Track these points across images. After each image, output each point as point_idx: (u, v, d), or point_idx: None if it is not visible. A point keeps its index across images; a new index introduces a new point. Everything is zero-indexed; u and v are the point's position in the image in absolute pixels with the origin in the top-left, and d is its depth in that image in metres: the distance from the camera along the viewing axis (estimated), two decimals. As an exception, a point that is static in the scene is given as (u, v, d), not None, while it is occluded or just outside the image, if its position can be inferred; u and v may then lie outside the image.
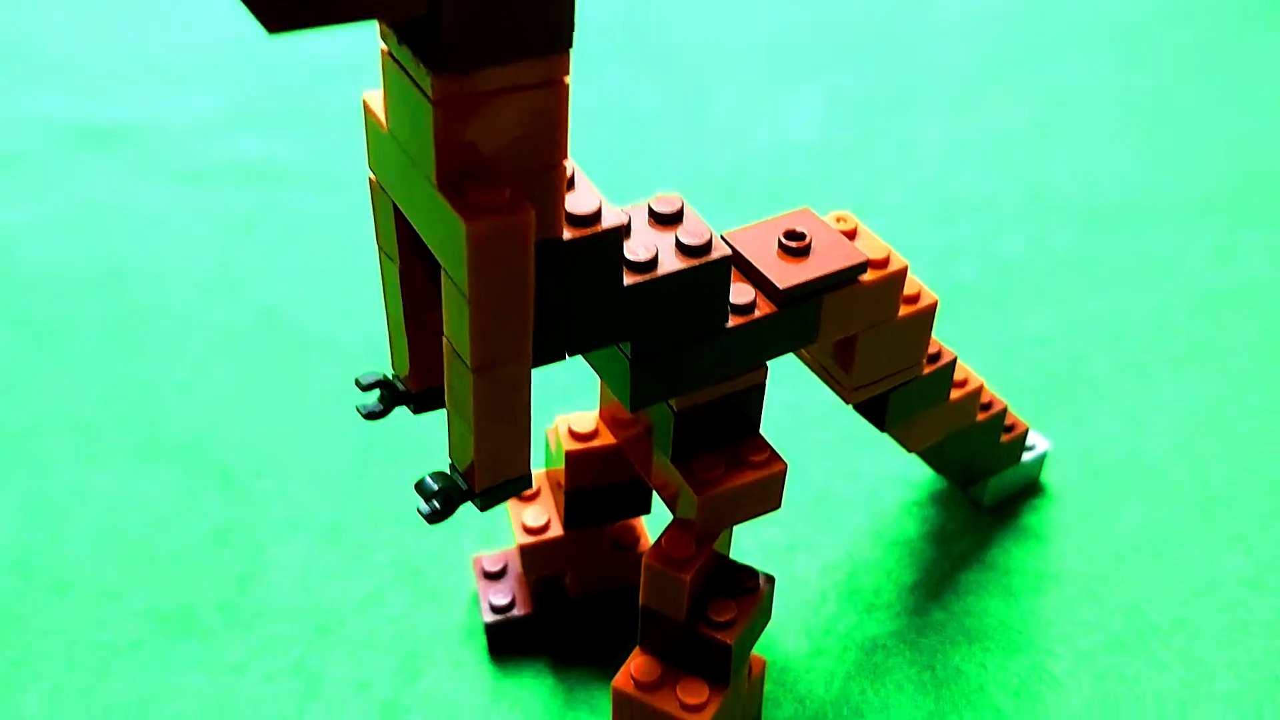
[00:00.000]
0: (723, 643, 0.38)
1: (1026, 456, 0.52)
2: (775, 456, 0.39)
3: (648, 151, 0.77)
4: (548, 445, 0.45)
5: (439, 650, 0.48)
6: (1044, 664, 0.47)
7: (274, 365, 0.61)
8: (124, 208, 0.73)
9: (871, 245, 0.39)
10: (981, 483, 0.52)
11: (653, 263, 0.33)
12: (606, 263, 0.32)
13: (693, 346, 0.35)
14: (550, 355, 0.33)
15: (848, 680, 0.47)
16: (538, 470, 0.48)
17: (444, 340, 0.30)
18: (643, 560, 0.38)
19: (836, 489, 0.54)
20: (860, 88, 0.84)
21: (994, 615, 0.49)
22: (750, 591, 0.40)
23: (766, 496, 0.39)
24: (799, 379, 0.59)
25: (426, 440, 0.57)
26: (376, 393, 0.35)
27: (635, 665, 0.40)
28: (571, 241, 0.31)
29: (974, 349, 0.61)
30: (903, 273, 0.39)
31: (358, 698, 0.46)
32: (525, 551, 0.45)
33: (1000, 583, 0.50)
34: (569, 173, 0.32)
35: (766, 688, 0.47)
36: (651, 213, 0.35)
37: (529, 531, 0.45)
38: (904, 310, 0.40)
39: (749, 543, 0.52)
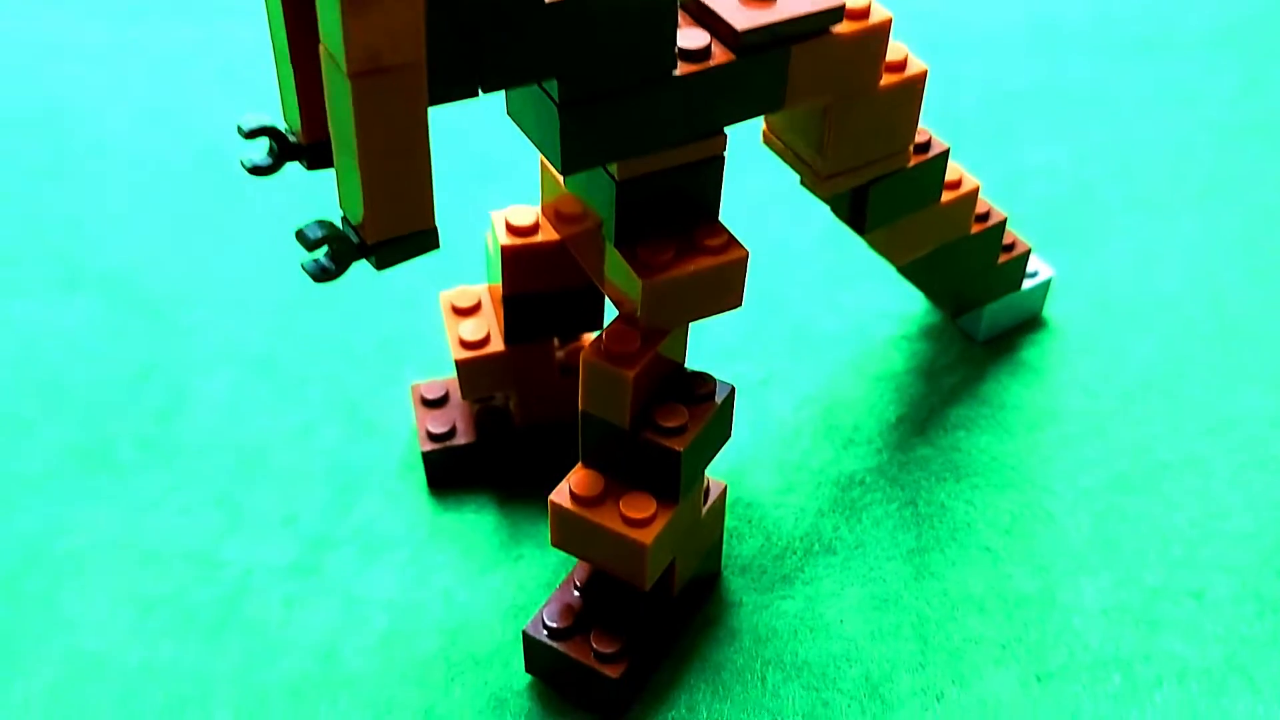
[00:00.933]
0: (671, 450, 0.34)
1: (1028, 284, 0.47)
2: (734, 242, 0.34)
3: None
4: (488, 251, 0.40)
5: (374, 483, 0.44)
6: (1040, 501, 0.42)
7: (209, 202, 0.56)
8: (61, 45, 0.67)
9: (855, -8, 0.33)
10: (976, 312, 0.47)
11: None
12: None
13: (634, 97, 0.30)
14: (459, 85, 0.28)
15: (819, 516, 0.42)
16: (479, 284, 0.43)
17: (320, 46, 0.25)
18: (580, 357, 0.34)
19: (818, 323, 0.49)
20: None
21: (986, 451, 0.44)
22: (705, 399, 0.35)
23: (724, 289, 0.34)
24: (778, 211, 0.54)
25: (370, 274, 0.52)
26: (265, 148, 0.30)
27: (575, 479, 0.35)
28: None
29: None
30: (885, 27, 0.33)
31: (282, 531, 0.42)
32: (462, 368, 0.40)
33: (994, 418, 0.45)
34: None
35: (731, 523, 0.42)
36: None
37: (466, 346, 0.40)
38: (887, 79, 0.35)
39: (720, 376, 0.47)
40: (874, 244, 0.42)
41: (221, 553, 0.42)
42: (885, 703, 0.37)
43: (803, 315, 0.49)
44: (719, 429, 0.36)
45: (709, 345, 0.48)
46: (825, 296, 0.50)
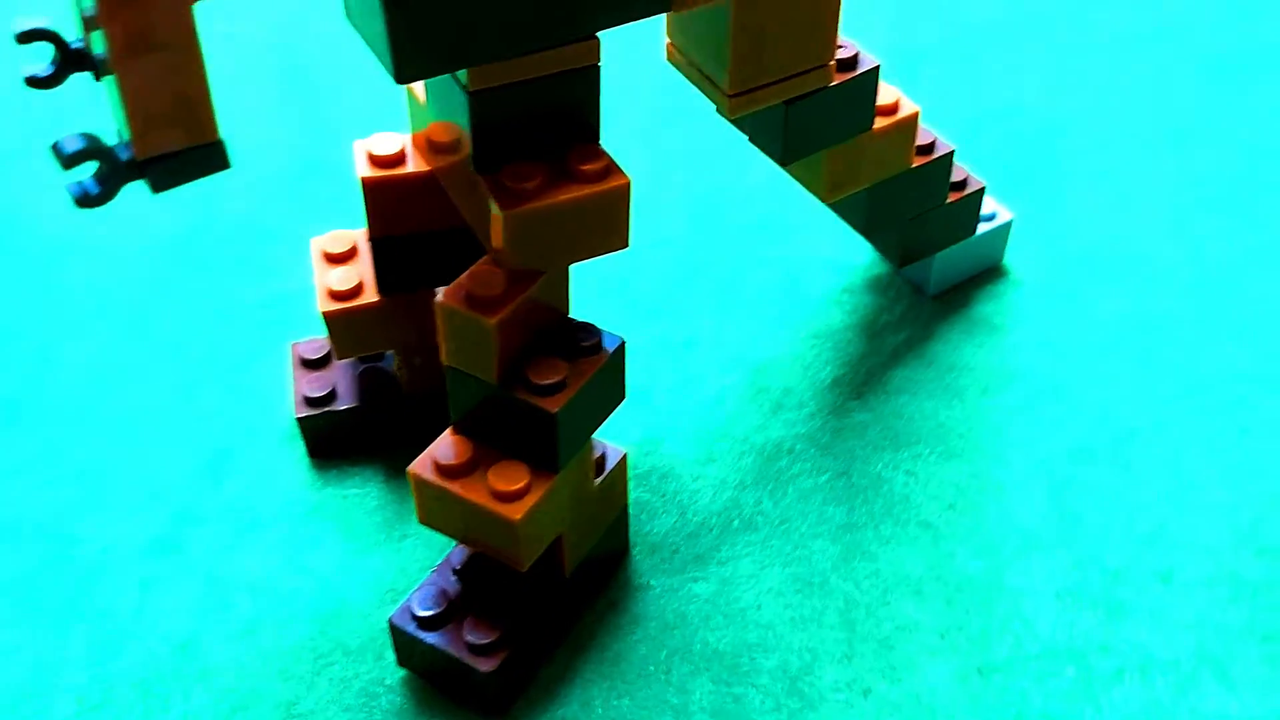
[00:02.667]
0: (545, 411, 0.29)
1: (983, 228, 0.42)
2: (614, 169, 0.29)
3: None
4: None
5: (250, 454, 0.39)
6: (989, 472, 0.38)
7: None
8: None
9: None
10: (925, 262, 0.42)
11: None
12: None
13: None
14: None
15: (741, 489, 0.38)
16: (361, 229, 0.38)
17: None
18: (435, 302, 0.29)
19: (750, 277, 0.44)
20: None
21: (931, 418, 0.39)
22: (589, 353, 0.31)
23: (604, 225, 0.29)
24: (707, 151, 0.49)
25: (258, 222, 0.47)
26: (49, 55, 0.25)
27: (440, 446, 0.31)
28: None
29: (929, 119, 0.51)
30: (788, -84, 0.29)
31: (146, 507, 0.38)
32: (330, 321, 0.35)
33: (941, 381, 0.41)
34: None
35: (642, 496, 0.37)
36: None
37: (334, 296, 0.35)
38: (798, -21, 0.30)
39: (637, 338, 0.42)
40: (800, 178, 0.37)
41: (77, 530, 0.37)
42: (804, 698, 0.33)
43: (734, 269, 0.45)
44: (608, 388, 0.31)
45: (628, 303, 0.43)
46: (760, 247, 0.45)
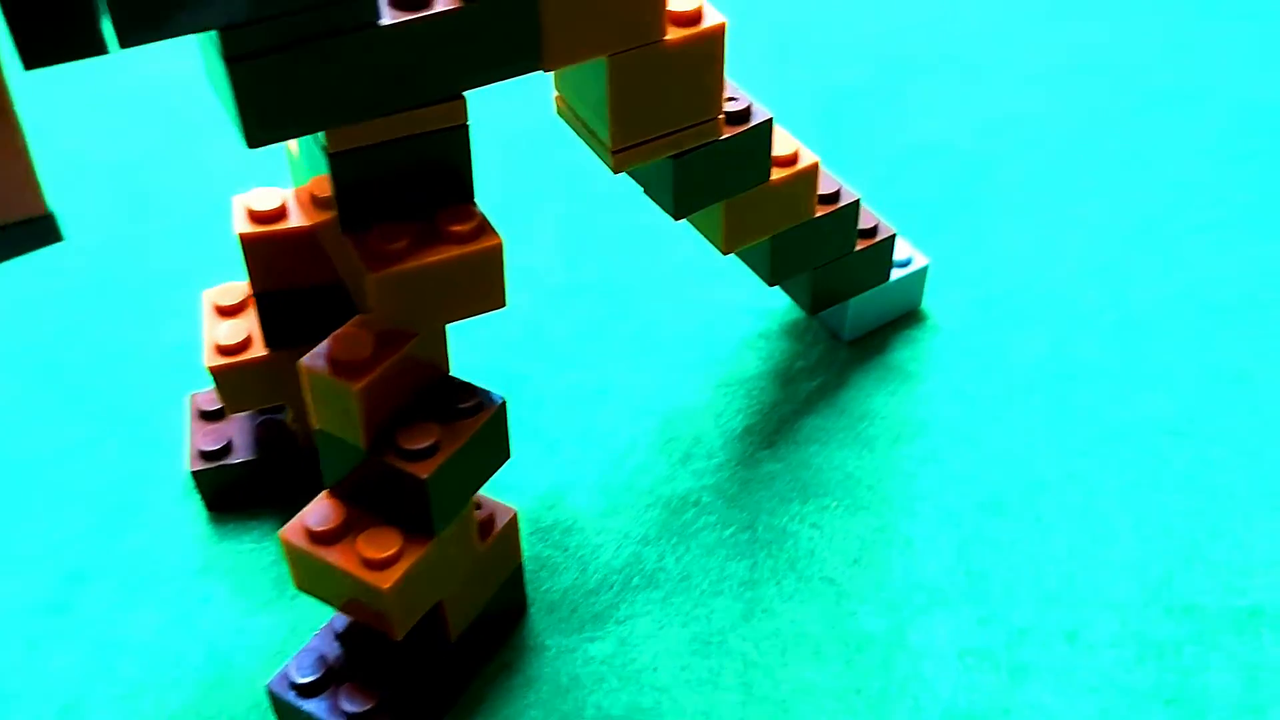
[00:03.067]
0: (415, 477, 0.28)
1: (897, 274, 0.42)
2: (486, 228, 0.28)
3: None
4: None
5: (149, 508, 0.38)
6: (896, 525, 0.37)
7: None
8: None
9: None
10: (840, 307, 0.42)
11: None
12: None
13: (328, 51, 0.25)
14: (73, 44, 0.22)
15: (644, 544, 0.37)
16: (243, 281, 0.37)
17: None
18: (299, 364, 0.28)
19: (667, 324, 0.44)
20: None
21: (840, 468, 0.39)
22: (466, 415, 0.30)
23: (479, 285, 0.29)
24: (621, 196, 0.48)
25: (169, 269, 0.46)
26: None
27: (312, 510, 0.30)
28: None
29: (852, 158, 0.50)
30: (662, -30, 0.28)
31: (39, 563, 0.37)
32: (217, 375, 0.35)
33: (853, 430, 0.40)
34: None
35: (544, 552, 0.37)
36: None
37: (221, 351, 0.35)
38: (676, 33, 0.30)
39: (549, 388, 0.41)
40: (700, 229, 0.36)
41: (-35, 588, 0.37)
42: (697, 766, 0.32)
43: (650, 315, 0.44)
44: (487, 449, 0.30)
45: (541, 352, 0.43)
46: (677, 292, 0.45)
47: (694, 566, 0.36)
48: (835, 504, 0.38)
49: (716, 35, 0.30)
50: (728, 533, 0.37)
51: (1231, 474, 0.38)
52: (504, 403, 0.30)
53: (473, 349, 0.43)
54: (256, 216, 0.32)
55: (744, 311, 0.44)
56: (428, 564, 0.30)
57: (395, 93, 0.26)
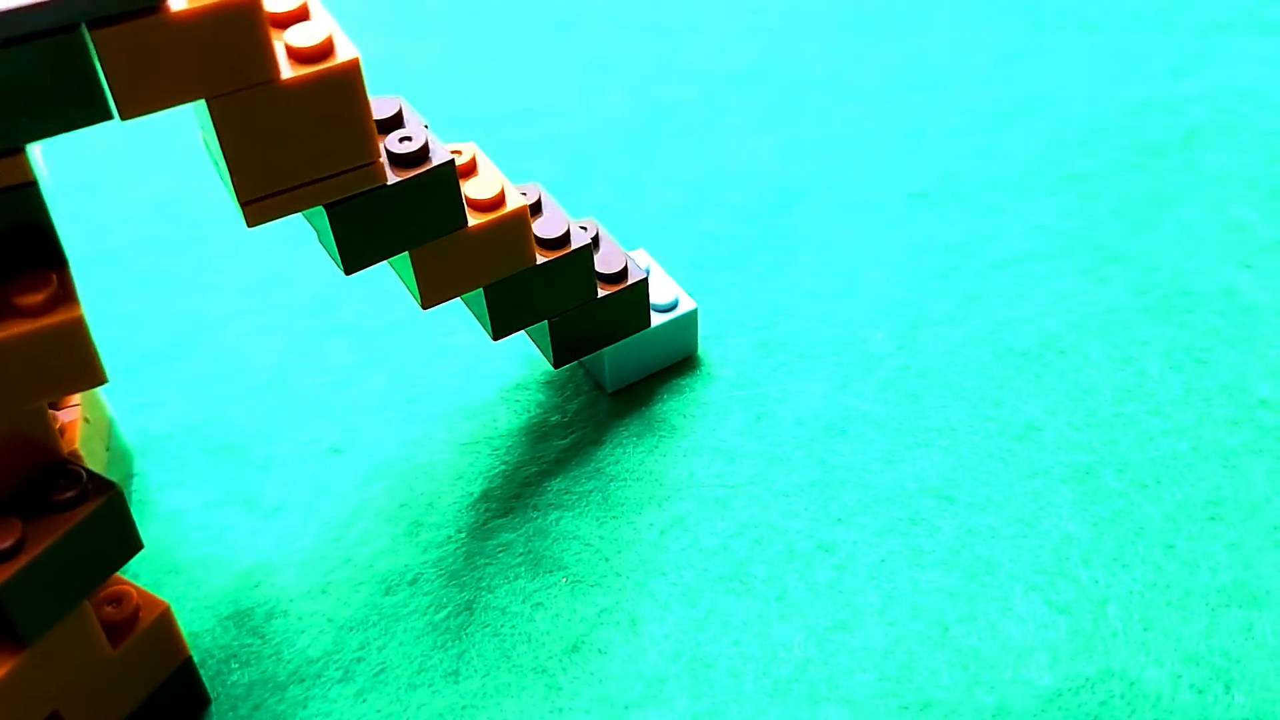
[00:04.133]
0: (-17, 586, 0.25)
1: (660, 320, 0.38)
2: (67, 299, 0.25)
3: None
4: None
5: None
6: (625, 605, 0.33)
7: None
8: None
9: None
10: (599, 355, 0.38)
11: None
12: None
13: None
14: None
15: (347, 630, 0.33)
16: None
17: None
18: None
19: (417, 369, 0.40)
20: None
21: (579, 537, 0.35)
22: (65, 507, 0.26)
23: (62, 362, 0.25)
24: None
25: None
26: None
27: (-108, 619, 0.26)
28: None
29: (656, 189, 0.46)
30: (252, 3, 0.24)
31: None
32: None
33: (603, 493, 0.36)
34: None
35: (237, 639, 0.33)
36: None
37: None
38: (298, 71, 0.26)
39: (281, 445, 0.38)
40: (401, 278, 0.33)
41: None
42: None
43: (404, 362, 0.40)
44: (101, 543, 0.27)
45: (278, 402, 0.39)
46: (432, 335, 0.41)
47: (395, 657, 0.33)
48: (566, 580, 0.34)
49: (349, 72, 0.26)
50: (440, 615, 0.33)
51: (994, 548, 0.34)
52: (117, 491, 0.27)
53: (209, 398, 0.39)
54: None
55: (504, 358, 0.40)
56: (24, 677, 0.26)
57: (-79, 149, 0.23)
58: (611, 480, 0.37)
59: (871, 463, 0.36)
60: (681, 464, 0.37)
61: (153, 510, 0.37)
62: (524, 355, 0.40)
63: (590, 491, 0.36)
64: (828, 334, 0.40)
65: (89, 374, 0.26)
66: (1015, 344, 0.40)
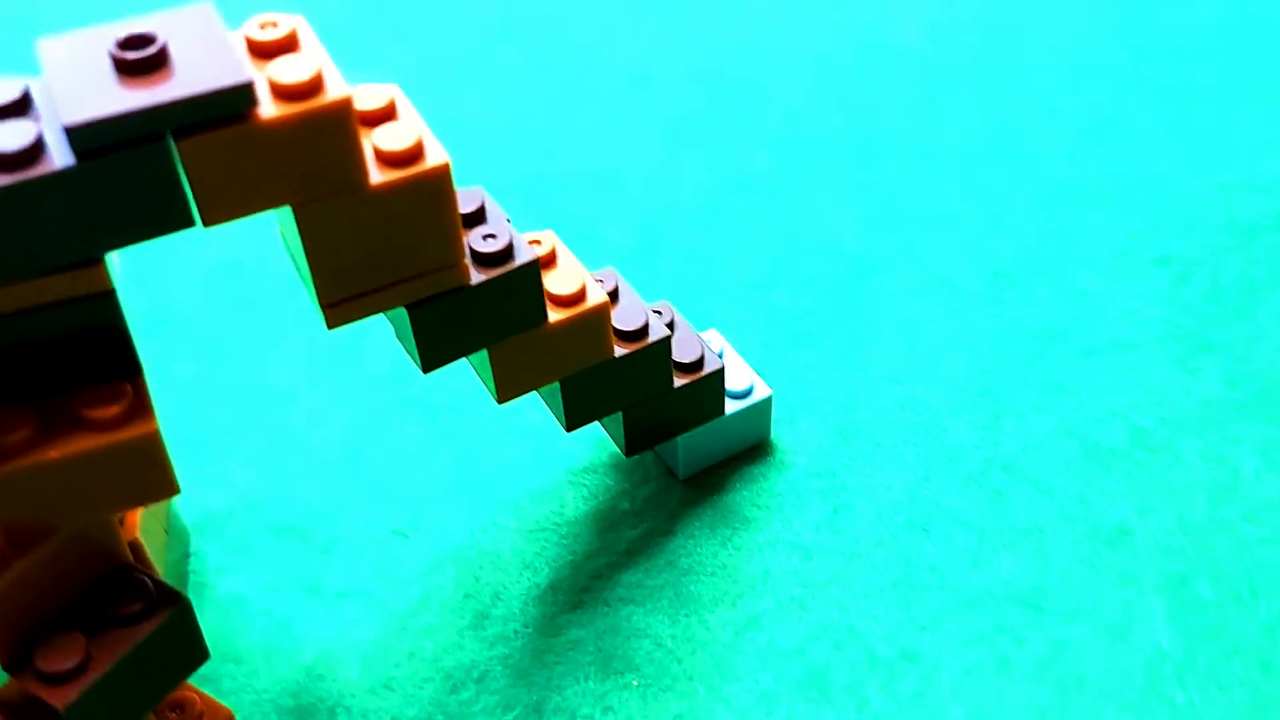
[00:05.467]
0: (50, 706, 0.24)
1: (735, 407, 0.37)
2: (140, 411, 0.24)
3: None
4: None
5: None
6: (700, 711, 0.32)
7: None
8: None
9: (300, 63, 0.23)
10: (671, 443, 0.37)
11: None
12: None
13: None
14: None
15: (410, 731, 0.32)
16: None
17: None
18: (-86, 574, 0.24)
19: (489, 451, 0.39)
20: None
21: (652, 636, 0.34)
22: (130, 622, 0.25)
23: (131, 475, 0.24)
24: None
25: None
26: None
27: (-45, 731, 0.26)
28: None
29: (730, 262, 0.45)
30: (342, 110, 0.23)
31: None
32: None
33: (677, 588, 0.35)
34: None
35: (296, 739, 0.32)
36: None
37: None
38: (387, 175, 0.25)
39: (345, 527, 0.37)
40: (476, 371, 0.32)
41: None
42: None
43: (470, 441, 0.39)
44: (166, 657, 0.26)
45: (343, 480, 0.38)
46: (502, 416, 0.40)
47: (462, 759, 0.32)
48: (637, 682, 0.33)
49: (440, 176, 0.25)
50: (509, 717, 0.32)
51: (1085, 662, 0.33)
52: (184, 603, 0.26)
53: (271, 474, 0.38)
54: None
55: (572, 438, 0.39)
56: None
57: (7, 262, 0.22)
58: (684, 574, 0.35)
59: (956, 564, 0.35)
60: (757, 559, 0.36)
61: (211, 593, 0.36)
62: (592, 436, 0.39)
63: (663, 586, 0.35)
64: (907, 421, 0.39)
65: (161, 487, 0.25)
66: (1103, 439, 0.38)
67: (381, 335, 0.43)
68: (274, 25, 0.24)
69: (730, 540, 0.36)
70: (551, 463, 0.39)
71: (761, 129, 0.51)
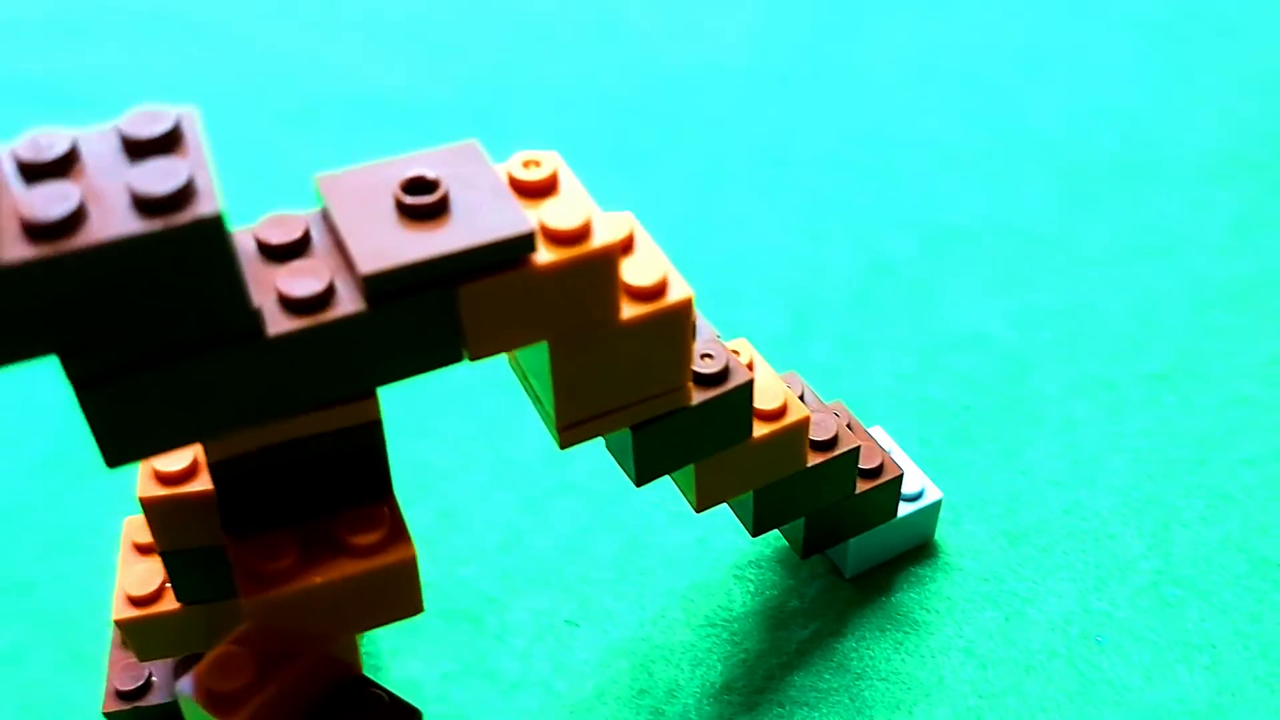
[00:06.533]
0: (299, 823, 0.25)
1: (906, 510, 0.37)
2: (398, 537, 0.25)
3: (526, 64, 0.62)
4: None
5: (63, 741, 0.35)
6: (885, 826, 0.32)
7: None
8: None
9: (568, 207, 0.24)
10: (841, 544, 0.37)
11: (68, 224, 0.19)
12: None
13: (202, 364, 0.21)
14: None
15: (596, 832, 0.33)
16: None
17: None
18: (176, 687, 0.25)
19: (653, 539, 0.40)
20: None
21: (829, 742, 0.34)
22: (372, 736, 0.26)
23: (387, 597, 0.25)
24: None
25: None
26: None
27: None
28: None
29: (880, 353, 0.46)
30: (609, 255, 0.24)
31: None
32: (124, 627, 0.31)
33: (849, 691, 0.35)
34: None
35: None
36: (123, 139, 0.21)
37: (133, 602, 0.31)
38: (635, 310, 0.26)
39: (516, 614, 0.37)
40: (675, 481, 0.32)
41: None
42: None
43: (634, 528, 0.40)
44: (400, 769, 0.27)
45: (510, 564, 0.39)
46: (669, 504, 0.41)
47: None
48: (818, 790, 0.33)
49: (683, 310, 0.26)
50: (691, 822, 0.33)
51: (1277, 791, 0.33)
52: (418, 716, 0.26)
53: (444, 556, 0.39)
54: (162, 477, 0.28)
55: (735, 530, 0.40)
56: None
57: (288, 399, 0.23)
58: (858, 679, 0.36)
59: (1132, 680, 0.35)
60: (930, 665, 0.36)
61: (386, 677, 0.36)
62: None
63: (836, 690, 0.35)
64: (1073, 527, 0.39)
65: (410, 605, 0.25)
66: (1271, 553, 0.38)
67: (535, 415, 0.43)
68: (536, 165, 0.25)
69: (902, 644, 0.36)
70: (714, 555, 0.39)
71: (904, 215, 0.52)
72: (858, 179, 0.54)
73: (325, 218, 0.24)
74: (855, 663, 0.36)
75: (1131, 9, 0.66)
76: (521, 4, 0.68)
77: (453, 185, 0.23)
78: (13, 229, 0.19)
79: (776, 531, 0.39)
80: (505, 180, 0.25)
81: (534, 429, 0.43)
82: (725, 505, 0.35)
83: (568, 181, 0.25)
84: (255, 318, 0.21)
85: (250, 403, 0.22)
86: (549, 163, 0.25)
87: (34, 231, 0.19)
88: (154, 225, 0.19)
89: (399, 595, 0.25)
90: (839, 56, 0.63)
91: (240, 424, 0.22)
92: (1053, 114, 0.58)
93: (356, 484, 0.25)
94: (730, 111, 0.59)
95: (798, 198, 0.53)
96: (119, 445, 0.21)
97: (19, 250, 0.19)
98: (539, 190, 0.25)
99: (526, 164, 0.25)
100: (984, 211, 0.52)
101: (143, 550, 0.32)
